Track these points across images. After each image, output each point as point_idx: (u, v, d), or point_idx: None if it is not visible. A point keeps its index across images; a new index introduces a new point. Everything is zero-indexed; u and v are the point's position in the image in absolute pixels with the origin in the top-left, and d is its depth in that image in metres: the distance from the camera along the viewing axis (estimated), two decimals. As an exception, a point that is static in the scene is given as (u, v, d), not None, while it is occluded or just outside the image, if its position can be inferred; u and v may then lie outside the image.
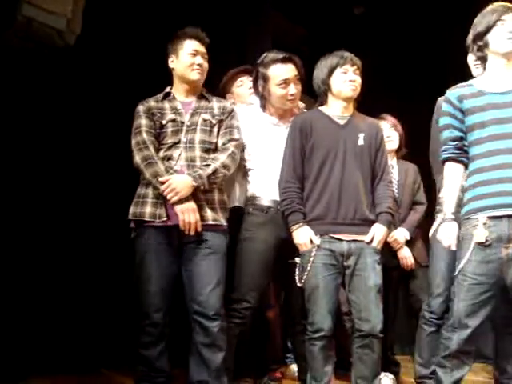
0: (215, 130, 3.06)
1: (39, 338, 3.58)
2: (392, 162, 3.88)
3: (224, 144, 3.05)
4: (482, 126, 2.68)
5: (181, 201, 2.88)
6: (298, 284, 2.91)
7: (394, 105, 4.31)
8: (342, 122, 3.02)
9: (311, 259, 2.88)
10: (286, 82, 3.13)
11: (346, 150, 2.97)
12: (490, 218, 2.60)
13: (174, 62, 3.09)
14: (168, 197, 2.88)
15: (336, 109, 3.03)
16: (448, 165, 2.83)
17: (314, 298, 2.88)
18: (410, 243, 3.74)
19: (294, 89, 3.15)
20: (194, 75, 3.06)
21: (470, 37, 2.78)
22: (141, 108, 3.07)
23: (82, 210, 3.91)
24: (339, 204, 2.91)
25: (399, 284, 3.83)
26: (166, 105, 3.07)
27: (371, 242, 2.92)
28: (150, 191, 2.96)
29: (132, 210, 2.99)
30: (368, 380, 2.87)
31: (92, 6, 3.68)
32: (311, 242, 2.90)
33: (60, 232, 3.82)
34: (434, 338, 3.12)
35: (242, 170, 3.30)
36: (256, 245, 3.08)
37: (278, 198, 3.10)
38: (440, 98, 3.31)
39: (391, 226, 3.04)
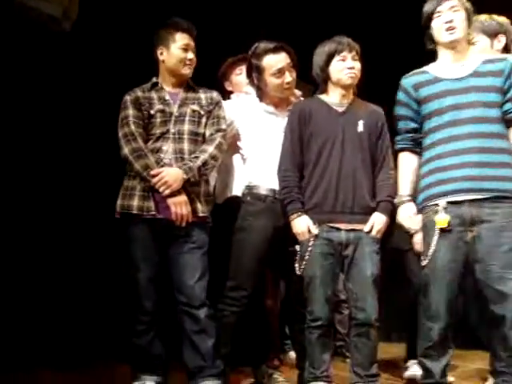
0: (203, 120, 3.06)
1: (33, 332, 3.60)
2: None
3: (212, 134, 3.04)
4: (440, 112, 2.71)
5: (173, 194, 2.88)
6: (297, 272, 2.91)
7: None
8: (340, 110, 3.00)
9: (309, 248, 2.88)
10: (281, 72, 3.11)
11: (345, 137, 2.94)
12: (451, 203, 2.63)
13: (163, 55, 3.05)
14: (160, 190, 2.88)
15: (335, 96, 3.00)
16: (403, 154, 2.90)
17: (312, 287, 2.88)
18: None
19: (289, 77, 3.14)
20: (186, 70, 3.05)
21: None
22: (128, 98, 3.04)
23: (71, 203, 3.93)
24: (337, 192, 2.89)
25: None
26: (154, 95, 3.05)
27: (370, 231, 2.90)
28: (137, 184, 2.95)
29: (119, 202, 2.98)
30: (365, 367, 2.87)
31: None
32: (309, 231, 2.90)
33: (51, 228, 3.84)
34: None
35: (240, 159, 3.30)
36: (253, 233, 3.08)
37: (275, 187, 3.09)
38: None
39: (390, 214, 3.02)
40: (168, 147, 2.97)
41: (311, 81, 3.15)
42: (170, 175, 2.88)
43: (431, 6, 2.77)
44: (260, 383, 3.28)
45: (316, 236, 2.88)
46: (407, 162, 2.88)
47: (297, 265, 2.92)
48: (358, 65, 2.96)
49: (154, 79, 3.10)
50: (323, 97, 3.04)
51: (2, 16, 3.56)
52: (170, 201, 2.89)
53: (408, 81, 2.82)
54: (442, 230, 2.63)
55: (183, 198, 2.90)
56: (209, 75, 3.53)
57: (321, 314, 2.86)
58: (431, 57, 2.84)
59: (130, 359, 3.01)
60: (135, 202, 2.93)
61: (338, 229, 2.89)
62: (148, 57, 3.11)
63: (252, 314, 3.20)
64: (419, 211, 2.79)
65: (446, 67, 2.77)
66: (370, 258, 2.88)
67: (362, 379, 2.87)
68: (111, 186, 3.14)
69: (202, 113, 3.05)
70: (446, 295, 2.65)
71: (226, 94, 3.59)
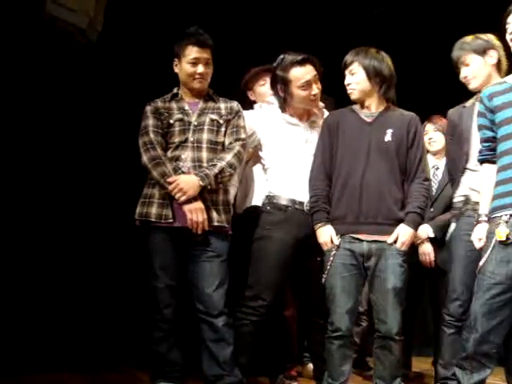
0: (222, 129, 3.07)
1: (53, 336, 3.62)
2: (439, 162, 3.87)
3: (230, 143, 3.05)
4: (509, 122, 2.65)
5: (189, 200, 2.90)
6: (323, 281, 2.89)
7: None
8: (369, 120, 2.97)
9: (331, 259, 2.87)
10: (308, 84, 3.13)
11: (370, 147, 2.90)
12: None
13: (177, 68, 3.09)
14: (176, 196, 2.89)
15: (364, 106, 2.99)
16: (484, 166, 2.83)
17: (333, 297, 2.87)
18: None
19: (315, 89, 3.15)
20: (196, 84, 3.07)
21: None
22: (148, 108, 3.08)
23: (92, 207, 3.94)
24: (360, 203, 2.87)
25: (423, 283, 3.78)
26: (174, 105, 3.08)
27: (395, 242, 2.85)
28: (156, 191, 2.98)
29: (138, 210, 3.01)
30: (386, 381, 2.84)
31: (114, 3, 3.70)
32: (332, 241, 2.89)
33: (69, 230, 3.86)
34: (454, 339, 3.09)
35: (261, 169, 3.31)
36: (273, 243, 3.08)
37: (295, 197, 3.11)
38: (450, 110, 3.33)
39: (418, 226, 2.96)
40: (187, 156, 2.99)
41: (332, 93, 3.18)
42: (186, 182, 2.90)
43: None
44: (277, 393, 3.28)
45: (338, 246, 2.87)
46: (487, 176, 2.80)
47: (322, 275, 2.91)
48: (355, 79, 2.94)
49: (175, 90, 3.13)
50: (355, 107, 3.03)
51: (32, 26, 3.62)
52: (186, 208, 2.90)
53: (485, 91, 2.79)
54: (500, 243, 2.57)
55: (199, 204, 2.91)
56: (231, 84, 3.54)
57: (341, 325, 2.84)
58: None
59: (148, 366, 3.02)
60: (153, 210, 2.95)
61: (360, 240, 2.87)
62: (170, 67, 3.13)
63: (270, 323, 3.20)
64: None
65: None
66: (393, 270, 2.83)
67: (383, 392, 2.85)
68: (132, 194, 3.16)
69: (221, 122, 3.07)
70: (485, 307, 2.59)
71: (249, 104, 3.61)
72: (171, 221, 2.93)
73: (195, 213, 2.89)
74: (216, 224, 2.97)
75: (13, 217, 3.62)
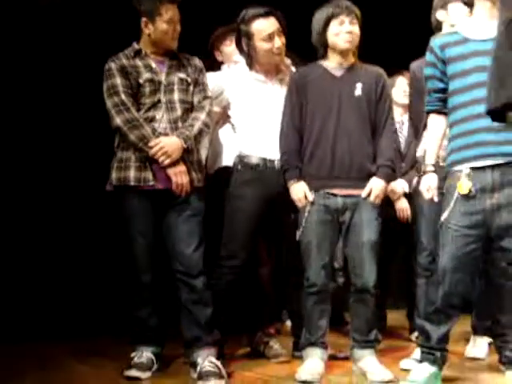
0: (191, 88, 3.01)
1: (35, 305, 3.64)
2: (403, 117, 3.86)
3: (199, 102, 3.01)
4: (464, 74, 2.63)
5: (173, 163, 2.86)
6: (297, 238, 2.89)
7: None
8: (338, 74, 2.94)
9: (306, 215, 2.87)
10: (271, 37, 3.08)
11: (341, 101, 2.89)
12: (473, 169, 2.57)
13: (148, 28, 2.93)
14: (160, 160, 2.84)
15: (333, 61, 2.94)
16: (431, 117, 2.82)
17: (308, 253, 2.87)
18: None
19: (278, 41, 3.10)
20: (173, 43, 2.99)
21: None
22: (113, 66, 2.94)
23: (62, 177, 3.91)
24: (333, 158, 2.86)
25: (398, 237, 3.81)
26: (139, 62, 2.96)
27: (368, 196, 2.87)
28: (131, 155, 2.90)
29: (115, 175, 2.92)
30: (363, 333, 2.88)
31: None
32: (306, 197, 2.88)
33: (46, 204, 3.86)
34: (427, 289, 3.13)
35: (231, 129, 3.28)
36: (244, 202, 3.07)
37: (266, 156, 3.10)
38: (412, 63, 3.34)
39: (391, 179, 2.98)
40: (161, 116, 2.92)
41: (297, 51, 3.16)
42: (169, 145, 2.85)
43: None
44: (256, 351, 3.30)
45: (312, 202, 2.87)
46: (435, 126, 2.80)
47: (297, 231, 2.90)
48: (356, 29, 2.89)
49: (136, 46, 3.00)
50: (322, 62, 2.98)
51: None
52: (171, 171, 2.86)
53: (436, 41, 2.74)
54: (462, 196, 2.58)
55: (183, 167, 2.88)
56: (198, 44, 3.47)
57: (317, 281, 2.85)
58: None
59: (128, 331, 3.01)
60: (132, 174, 2.88)
61: (335, 194, 2.87)
62: (130, 23, 3.03)
63: (246, 281, 3.21)
64: (445, 176, 2.73)
65: (476, 27, 2.66)
66: (368, 223, 2.86)
67: (360, 344, 2.89)
68: (96, 159, 3.11)
69: (190, 81, 3.01)
70: (453, 261, 2.61)
71: (217, 65, 3.56)
72: (152, 183, 2.87)
73: (180, 175, 2.86)
74: (196, 184, 2.95)
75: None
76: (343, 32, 2.87)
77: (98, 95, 2.98)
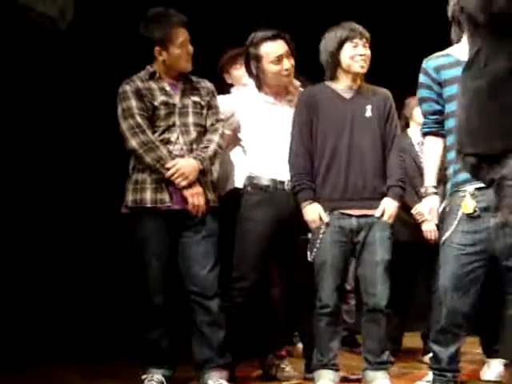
0: (204, 112, 3.04)
1: (45, 328, 3.63)
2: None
3: (213, 124, 3.04)
4: None
5: (190, 185, 2.88)
6: (309, 260, 2.89)
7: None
8: (348, 96, 2.97)
9: (320, 236, 2.87)
10: (279, 59, 3.11)
11: (353, 123, 2.92)
12: (478, 189, 2.57)
13: (162, 55, 2.93)
14: (176, 181, 2.86)
15: (343, 83, 2.97)
16: (428, 139, 2.84)
17: (322, 274, 2.87)
18: None
19: (287, 63, 3.12)
20: (188, 66, 3.02)
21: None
22: (128, 88, 2.95)
23: (75, 199, 3.93)
24: (347, 179, 2.88)
25: (418, 259, 3.78)
26: (153, 85, 2.97)
27: (382, 216, 2.88)
28: (147, 176, 2.92)
29: (131, 197, 2.92)
30: (376, 354, 2.86)
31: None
32: (320, 218, 2.88)
33: (58, 223, 3.86)
34: None
35: (241, 151, 3.29)
36: (254, 223, 3.08)
37: (276, 177, 3.11)
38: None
39: (402, 198, 2.99)
40: (176, 139, 2.94)
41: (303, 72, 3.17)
42: (186, 167, 2.87)
43: None
44: (268, 373, 3.27)
45: (327, 224, 2.87)
46: (432, 149, 2.81)
47: (308, 252, 2.90)
48: (368, 52, 2.93)
49: (150, 69, 3.01)
50: (330, 83, 3.00)
51: (4, 16, 3.58)
52: (188, 192, 2.88)
53: (430, 63, 2.75)
54: (467, 215, 2.59)
55: (199, 189, 2.91)
56: (206, 66, 3.50)
57: (330, 302, 2.85)
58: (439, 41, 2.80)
59: (139, 354, 2.99)
60: (148, 196, 2.89)
61: (349, 215, 2.88)
62: (143, 51, 3.05)
63: (257, 304, 3.19)
64: (448, 198, 2.74)
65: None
66: (381, 243, 2.86)
67: (372, 366, 2.87)
68: (112, 181, 3.13)
69: (203, 104, 3.04)
70: (454, 280, 2.60)
71: (226, 87, 3.58)
72: (169, 205, 2.89)
73: (197, 197, 2.89)
74: (212, 205, 2.97)
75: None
76: (357, 55, 2.90)
77: (111, 117, 3.00)
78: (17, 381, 3.17)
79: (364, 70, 2.94)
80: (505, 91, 1.67)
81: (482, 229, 2.56)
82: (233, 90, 3.56)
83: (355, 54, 2.90)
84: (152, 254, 2.90)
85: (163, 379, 2.91)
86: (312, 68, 3.15)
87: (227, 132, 3.21)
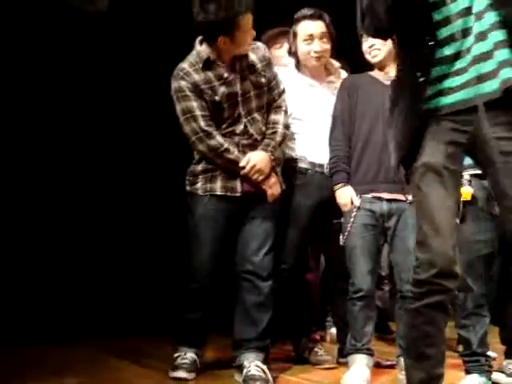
0: (265, 88, 2.94)
1: (76, 303, 3.65)
2: None
3: (275, 100, 2.98)
4: None
5: (266, 177, 2.88)
6: (341, 243, 2.90)
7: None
8: (387, 83, 2.94)
9: (351, 220, 2.87)
10: (311, 38, 3.07)
11: None
12: (474, 175, 2.59)
13: (226, 43, 2.76)
14: (253, 178, 2.85)
15: (380, 73, 2.98)
16: None
17: (353, 258, 2.86)
18: None
19: (318, 46, 3.07)
20: (249, 48, 2.89)
21: None
22: (184, 84, 2.80)
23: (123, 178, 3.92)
24: (380, 162, 2.86)
25: None
26: (210, 74, 2.82)
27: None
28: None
29: (200, 185, 2.88)
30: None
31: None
32: (352, 202, 2.88)
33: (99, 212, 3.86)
34: None
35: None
36: (294, 207, 3.07)
37: (315, 160, 3.10)
38: None
39: None
40: (243, 128, 2.88)
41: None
42: (260, 161, 2.84)
43: None
44: (301, 357, 3.26)
45: (358, 207, 2.86)
46: None
47: (340, 236, 2.90)
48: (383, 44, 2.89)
49: (203, 54, 2.82)
50: (372, 73, 3.02)
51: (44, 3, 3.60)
52: (266, 185, 2.88)
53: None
54: (466, 203, 2.61)
55: (276, 178, 2.92)
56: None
57: (363, 286, 2.83)
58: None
59: (174, 332, 2.99)
60: (218, 184, 2.86)
61: (380, 199, 2.86)
62: (185, 33, 2.99)
63: (293, 287, 3.18)
64: None
65: None
66: (413, 229, 2.80)
67: (405, 352, 2.84)
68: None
69: (263, 81, 2.91)
70: (469, 265, 2.63)
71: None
72: (239, 194, 2.87)
73: (274, 187, 2.90)
74: (283, 188, 2.99)
75: (19, 196, 3.60)
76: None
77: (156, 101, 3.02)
78: (58, 354, 3.19)
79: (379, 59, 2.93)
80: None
81: (488, 217, 2.64)
82: (273, 70, 3.53)
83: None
84: (206, 235, 2.86)
85: (196, 357, 2.92)
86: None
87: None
